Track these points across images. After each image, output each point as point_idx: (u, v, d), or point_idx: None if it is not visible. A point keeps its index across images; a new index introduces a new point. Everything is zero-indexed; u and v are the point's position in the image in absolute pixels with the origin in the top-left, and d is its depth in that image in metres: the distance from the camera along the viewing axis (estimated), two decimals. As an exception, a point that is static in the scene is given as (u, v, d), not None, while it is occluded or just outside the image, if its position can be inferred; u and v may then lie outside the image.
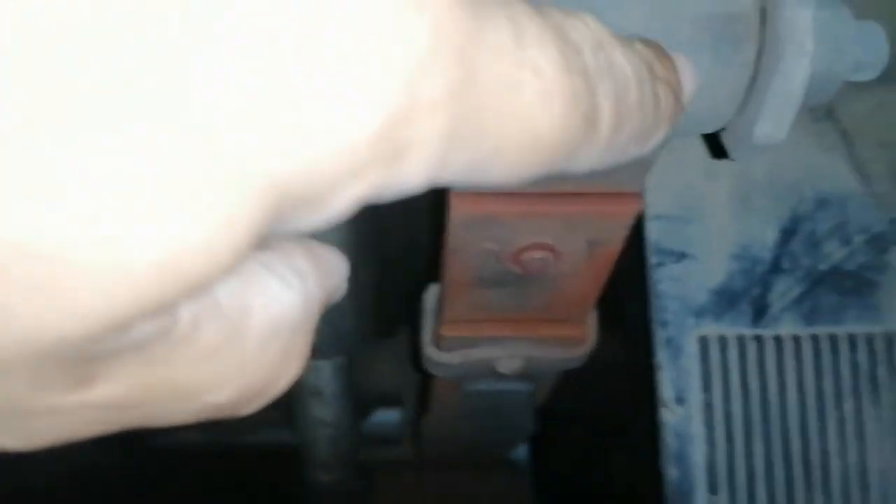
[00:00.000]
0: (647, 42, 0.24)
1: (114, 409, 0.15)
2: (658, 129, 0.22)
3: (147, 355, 0.14)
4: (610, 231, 0.45)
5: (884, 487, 0.55)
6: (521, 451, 0.82)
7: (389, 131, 0.13)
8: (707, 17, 0.30)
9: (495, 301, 0.50)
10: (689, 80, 0.24)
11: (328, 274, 0.20)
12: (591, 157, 0.19)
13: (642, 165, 0.42)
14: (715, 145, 0.35)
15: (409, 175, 0.14)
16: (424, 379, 0.61)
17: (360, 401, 0.91)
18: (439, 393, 0.62)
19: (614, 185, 0.42)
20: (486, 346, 0.53)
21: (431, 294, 0.53)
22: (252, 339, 0.16)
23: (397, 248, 0.72)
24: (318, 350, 0.82)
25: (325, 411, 0.86)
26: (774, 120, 0.31)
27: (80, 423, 0.15)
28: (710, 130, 0.34)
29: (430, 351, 0.55)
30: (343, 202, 0.14)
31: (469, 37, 0.14)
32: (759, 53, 0.31)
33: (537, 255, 0.46)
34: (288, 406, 0.88)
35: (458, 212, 0.42)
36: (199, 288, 0.12)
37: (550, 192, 0.43)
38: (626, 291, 0.62)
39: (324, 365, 0.86)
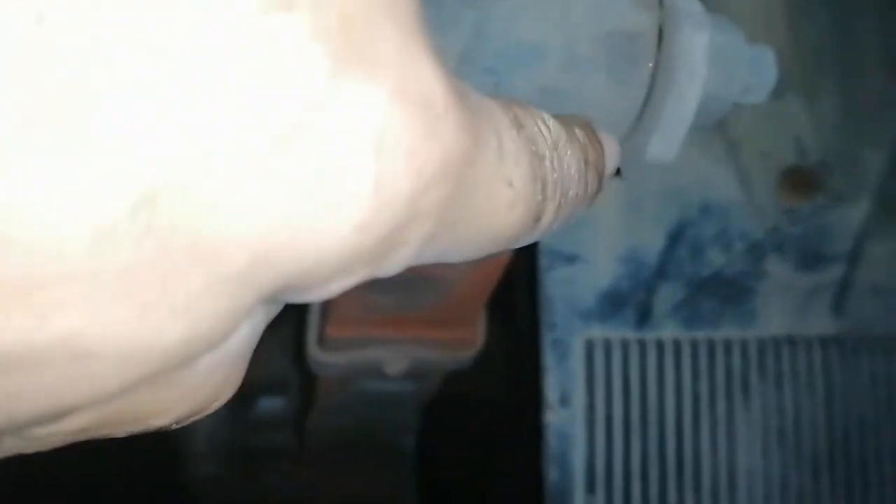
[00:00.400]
0: (583, 124, 0.24)
1: (71, 435, 0.16)
2: (582, 210, 0.23)
3: None
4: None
5: (750, 486, 0.58)
6: (409, 442, 0.82)
7: (382, 243, 0.14)
8: (605, 35, 0.30)
9: (382, 303, 0.48)
10: (612, 161, 0.25)
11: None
12: (531, 241, 0.21)
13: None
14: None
15: (389, 269, 0.16)
16: (309, 376, 0.60)
17: (241, 389, 0.87)
18: (324, 390, 0.60)
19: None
20: (372, 348, 0.52)
21: (315, 311, 0.51)
22: (202, 368, 0.17)
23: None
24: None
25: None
26: (666, 140, 0.31)
27: (37, 444, 0.16)
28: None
29: (314, 351, 0.52)
30: (326, 293, 0.15)
31: (467, 160, 0.15)
32: (655, 74, 0.30)
33: (427, 257, 0.45)
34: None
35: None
36: (172, 369, 0.14)
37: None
38: (520, 293, 0.62)
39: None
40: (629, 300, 0.59)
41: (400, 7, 0.14)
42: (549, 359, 0.57)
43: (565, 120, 0.24)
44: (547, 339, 0.57)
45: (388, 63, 0.14)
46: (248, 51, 0.13)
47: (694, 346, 0.59)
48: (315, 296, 0.15)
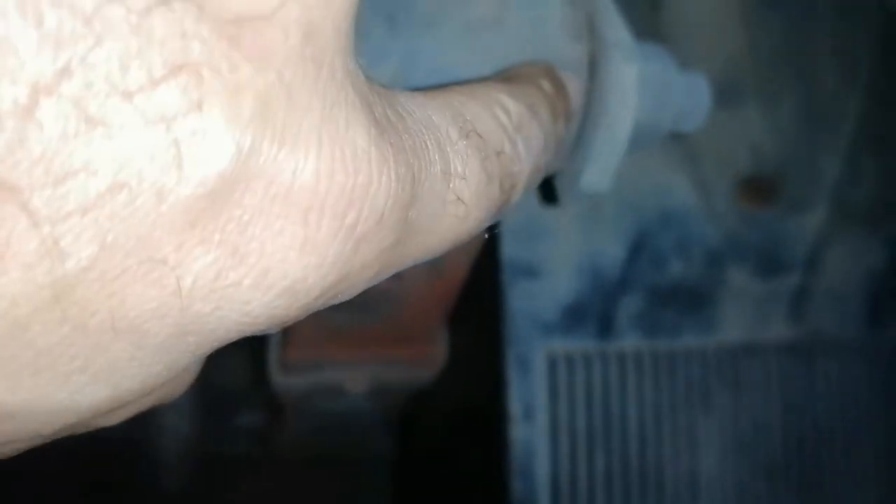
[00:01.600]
0: (548, 72, 0.25)
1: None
2: (552, 159, 0.25)
3: None
4: (452, 257, 0.45)
5: (711, 493, 0.59)
6: (374, 458, 0.83)
7: (319, 298, 0.16)
8: (536, 66, 0.30)
9: (339, 323, 0.49)
10: (576, 98, 0.27)
11: None
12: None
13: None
14: (546, 189, 0.35)
15: (340, 300, 0.17)
16: (272, 395, 0.60)
17: (213, 402, 0.88)
18: (289, 410, 0.60)
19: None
20: (332, 368, 0.52)
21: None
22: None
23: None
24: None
25: (173, 416, 0.83)
26: (599, 170, 0.31)
27: None
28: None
29: (276, 374, 0.53)
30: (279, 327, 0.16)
31: (404, 204, 0.16)
32: (587, 104, 0.31)
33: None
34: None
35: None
36: (103, 414, 0.16)
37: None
38: (482, 308, 0.62)
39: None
40: (590, 312, 0.60)
41: (323, 75, 0.14)
42: (511, 373, 0.57)
43: (530, 76, 0.24)
44: (509, 353, 0.57)
45: (311, 137, 0.14)
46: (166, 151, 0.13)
47: (655, 356, 0.60)
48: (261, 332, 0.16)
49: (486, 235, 0.45)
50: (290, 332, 0.49)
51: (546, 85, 0.24)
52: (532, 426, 0.57)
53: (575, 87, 0.27)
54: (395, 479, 0.81)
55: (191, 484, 0.89)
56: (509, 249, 0.58)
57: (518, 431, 0.57)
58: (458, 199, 0.18)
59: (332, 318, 0.47)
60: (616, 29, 0.30)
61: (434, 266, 0.44)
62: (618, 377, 0.59)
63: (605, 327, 0.60)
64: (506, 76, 0.26)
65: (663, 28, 0.61)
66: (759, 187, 0.64)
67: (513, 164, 0.21)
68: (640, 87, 0.31)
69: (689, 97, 0.33)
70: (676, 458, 0.59)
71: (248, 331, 0.15)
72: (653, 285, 0.61)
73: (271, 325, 0.16)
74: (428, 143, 0.17)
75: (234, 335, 0.15)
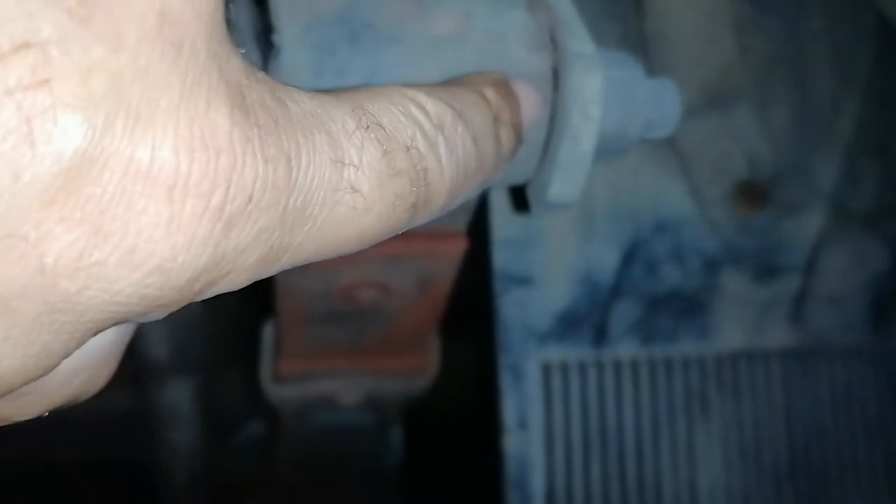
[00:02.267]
0: (496, 81, 0.25)
1: None
2: (497, 170, 0.25)
3: None
4: (437, 269, 0.45)
5: (712, 503, 0.59)
6: (370, 469, 0.83)
7: (197, 279, 0.16)
8: (498, 78, 0.30)
9: (330, 336, 0.49)
10: (531, 110, 0.27)
11: None
12: (430, 218, 0.22)
13: (466, 208, 0.42)
14: (519, 198, 0.35)
15: (230, 286, 0.17)
16: (271, 411, 0.61)
17: (223, 419, 0.88)
18: (284, 424, 0.61)
19: (439, 225, 0.43)
20: (324, 380, 0.53)
21: (268, 330, 0.52)
22: (51, 382, 0.18)
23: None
24: (174, 371, 0.79)
25: (184, 436, 0.83)
26: (566, 181, 0.31)
27: None
28: (512, 184, 0.35)
29: (269, 386, 0.53)
30: (173, 310, 0.17)
31: (280, 187, 0.16)
32: (552, 117, 0.31)
33: (368, 292, 0.46)
34: (141, 424, 0.85)
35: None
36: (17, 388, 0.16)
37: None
38: (477, 316, 0.62)
39: (181, 387, 0.83)
40: (585, 320, 0.59)
41: (184, 56, 0.15)
42: (505, 382, 0.57)
43: (472, 83, 0.24)
44: (503, 362, 0.57)
45: (168, 115, 0.14)
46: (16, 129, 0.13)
47: (651, 364, 0.60)
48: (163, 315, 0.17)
49: (469, 242, 0.45)
50: (283, 344, 0.50)
51: (490, 93, 0.24)
52: (526, 436, 0.57)
53: (532, 97, 0.27)
54: (392, 490, 0.81)
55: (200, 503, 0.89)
56: (501, 257, 0.58)
57: (512, 442, 0.57)
58: (354, 188, 0.18)
59: (323, 330, 0.48)
60: (578, 40, 0.31)
61: (421, 276, 0.45)
62: (613, 385, 0.59)
63: (600, 335, 0.59)
64: (447, 82, 0.25)
65: (650, 35, 0.61)
66: (754, 192, 0.63)
67: (426, 161, 0.20)
68: (605, 98, 0.31)
69: (658, 104, 0.33)
70: (675, 468, 0.58)
71: (124, 312, 0.15)
72: (648, 292, 0.61)
73: (147, 306, 0.16)
74: (314, 130, 0.17)
75: (108, 317, 0.15)
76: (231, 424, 0.94)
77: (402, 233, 0.43)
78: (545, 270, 0.59)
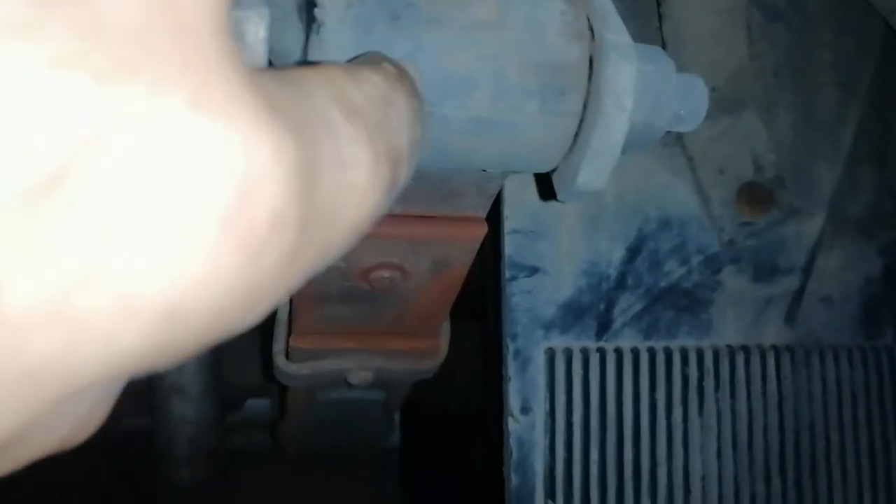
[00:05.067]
0: (387, 58, 0.23)
1: None
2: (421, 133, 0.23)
3: None
4: (455, 254, 0.44)
5: (705, 491, 0.58)
6: (376, 448, 0.82)
7: (231, 315, 0.13)
8: (535, 65, 0.30)
9: (344, 315, 0.48)
10: (413, 72, 0.24)
11: None
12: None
13: (487, 193, 0.42)
14: (545, 185, 0.34)
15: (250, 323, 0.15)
16: (280, 386, 0.60)
17: (227, 394, 0.87)
18: (293, 399, 0.60)
19: (459, 210, 0.42)
20: (335, 358, 0.52)
21: (282, 307, 0.51)
22: (33, 438, 0.15)
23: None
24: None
25: (187, 408, 0.82)
26: (594, 170, 0.31)
27: None
28: (539, 171, 0.34)
29: (280, 361, 0.52)
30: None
31: (303, 201, 0.14)
32: (585, 105, 0.30)
33: (385, 273, 0.45)
34: (146, 399, 0.84)
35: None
36: None
37: (398, 214, 0.41)
38: (485, 303, 0.62)
39: (187, 361, 0.82)
40: (589, 311, 0.59)
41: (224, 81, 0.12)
42: (511, 368, 0.57)
43: (370, 60, 0.22)
44: (509, 348, 0.57)
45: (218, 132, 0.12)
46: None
47: (652, 355, 0.59)
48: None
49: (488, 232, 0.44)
50: (296, 321, 0.49)
51: (387, 66, 0.22)
52: (529, 420, 0.56)
53: (415, 70, 0.25)
54: (395, 469, 0.80)
55: (202, 475, 0.88)
56: (511, 247, 0.57)
57: (515, 425, 0.56)
58: (355, 185, 0.16)
59: (337, 309, 0.47)
60: (615, 31, 0.30)
61: (438, 259, 0.44)
62: (614, 374, 0.58)
63: (603, 326, 0.59)
64: (348, 63, 0.23)
65: (666, 37, 0.60)
66: (758, 194, 0.63)
67: (393, 137, 0.19)
68: (637, 89, 0.30)
69: (686, 99, 0.33)
70: (670, 456, 0.58)
71: (121, 366, 0.12)
72: (651, 287, 0.60)
73: (154, 358, 0.12)
74: (315, 133, 0.15)
75: (113, 371, 0.12)
76: (237, 398, 0.93)
77: (424, 216, 0.42)
78: (553, 261, 0.58)
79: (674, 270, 0.61)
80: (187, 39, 0.12)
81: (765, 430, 0.60)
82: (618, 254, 0.60)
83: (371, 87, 0.19)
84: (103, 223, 0.11)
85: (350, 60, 0.26)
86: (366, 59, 0.24)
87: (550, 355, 0.57)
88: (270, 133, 0.13)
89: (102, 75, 0.11)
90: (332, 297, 0.46)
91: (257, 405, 0.96)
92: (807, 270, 0.63)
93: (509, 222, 0.58)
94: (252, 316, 0.14)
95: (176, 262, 0.11)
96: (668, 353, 0.59)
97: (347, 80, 0.18)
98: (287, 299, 0.52)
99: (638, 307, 0.60)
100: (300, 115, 0.15)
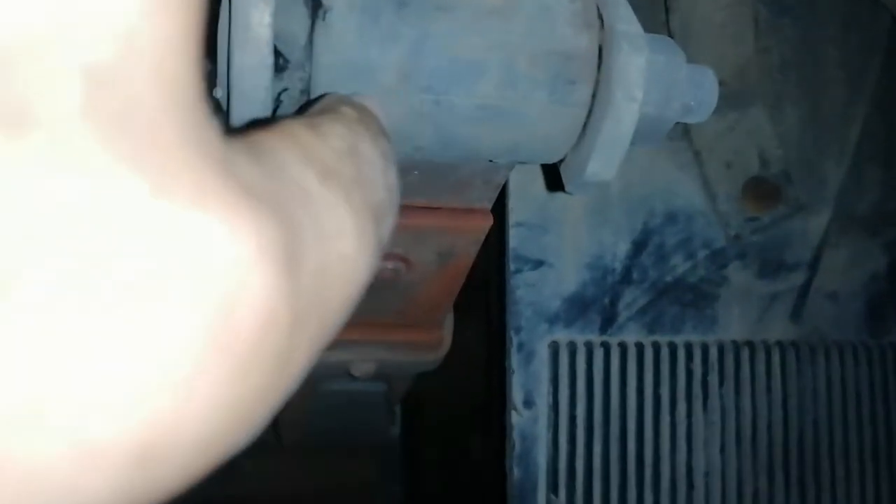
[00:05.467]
0: (346, 101, 0.22)
1: None
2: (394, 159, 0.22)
3: None
4: (460, 245, 0.44)
5: (708, 485, 0.58)
6: (378, 440, 0.82)
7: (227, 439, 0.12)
8: (544, 55, 0.29)
9: (349, 306, 0.48)
10: (379, 112, 0.23)
11: None
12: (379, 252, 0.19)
13: (493, 185, 0.41)
14: (553, 176, 0.34)
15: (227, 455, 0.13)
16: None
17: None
18: (296, 390, 0.59)
19: (465, 201, 0.41)
20: (339, 350, 0.51)
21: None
22: None
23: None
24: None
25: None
26: (603, 161, 0.30)
27: None
28: (546, 162, 0.33)
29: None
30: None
31: (297, 299, 0.12)
32: (594, 95, 0.30)
33: (389, 264, 0.44)
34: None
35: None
36: None
37: (402, 204, 0.41)
38: (489, 295, 0.61)
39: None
40: (594, 305, 0.58)
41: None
42: (514, 361, 0.56)
43: (328, 107, 0.21)
44: (513, 341, 0.56)
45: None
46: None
47: (656, 349, 0.59)
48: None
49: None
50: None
51: (347, 110, 0.21)
52: (533, 413, 0.56)
53: (376, 104, 0.24)
54: (398, 461, 0.80)
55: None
56: (516, 240, 0.57)
57: (518, 418, 0.56)
58: (343, 256, 0.15)
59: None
60: (625, 20, 0.29)
61: (443, 250, 0.43)
62: (618, 368, 0.58)
63: (608, 320, 0.58)
64: (306, 115, 0.21)
65: (675, 30, 0.60)
66: (764, 190, 0.62)
67: (370, 191, 0.18)
68: (648, 80, 0.29)
69: (696, 90, 0.32)
70: (673, 451, 0.57)
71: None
72: (656, 281, 0.60)
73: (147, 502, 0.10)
74: (292, 209, 0.14)
75: None
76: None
77: (429, 207, 0.42)
78: (558, 254, 0.58)
79: (679, 265, 0.60)
80: (145, 131, 0.10)
81: (768, 426, 0.59)
82: (623, 248, 0.59)
83: (337, 139, 0.18)
84: (51, 345, 0.09)
85: (304, 107, 0.24)
86: (323, 107, 0.22)
87: (554, 349, 0.57)
88: (249, 220, 0.11)
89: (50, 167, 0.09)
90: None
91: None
92: (812, 267, 0.62)
93: (514, 215, 0.58)
94: (246, 436, 0.12)
95: (146, 395, 0.09)
96: (673, 348, 0.59)
97: (313, 137, 0.17)
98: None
99: (643, 301, 0.59)
100: (276, 191, 0.13)
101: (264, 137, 0.15)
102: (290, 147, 0.15)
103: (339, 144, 0.17)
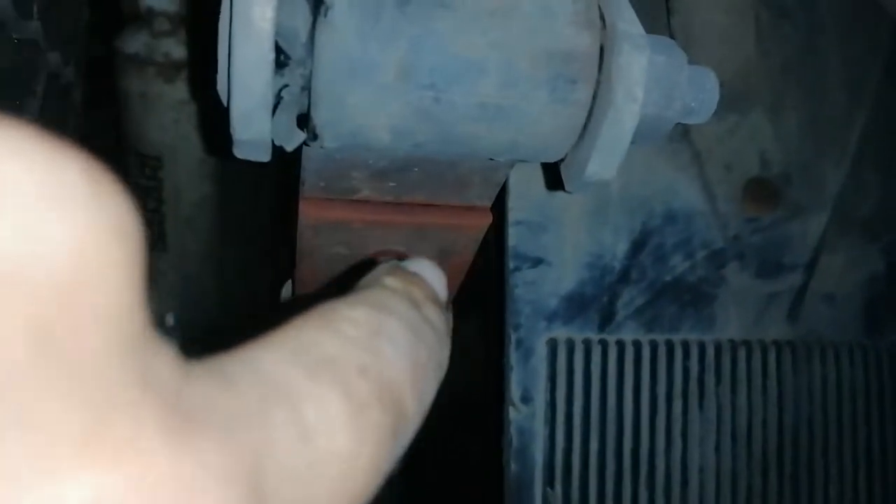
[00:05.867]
0: (389, 270, 0.22)
1: None
2: (445, 347, 0.21)
3: None
4: (460, 242, 0.43)
5: (702, 482, 0.58)
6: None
7: None
8: (546, 54, 0.29)
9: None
10: (438, 278, 0.23)
11: None
12: (414, 427, 0.18)
13: (493, 183, 0.41)
14: (553, 175, 0.34)
15: None
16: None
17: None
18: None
19: (465, 199, 0.41)
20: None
21: (286, 292, 0.51)
22: None
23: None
24: (182, 331, 0.77)
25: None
26: (604, 160, 0.30)
27: None
28: (546, 160, 0.33)
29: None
30: None
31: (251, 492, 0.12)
32: (595, 95, 0.30)
33: (389, 260, 0.44)
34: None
35: (307, 217, 0.39)
36: None
37: (402, 201, 0.41)
38: (488, 293, 0.61)
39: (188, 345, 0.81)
40: (592, 303, 0.58)
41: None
42: (513, 357, 0.56)
43: (371, 281, 0.21)
44: (511, 338, 0.56)
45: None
46: None
47: (654, 347, 0.59)
48: None
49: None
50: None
51: (390, 281, 0.21)
52: (530, 410, 0.56)
53: (428, 267, 0.24)
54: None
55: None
56: (515, 238, 0.57)
57: (516, 414, 0.56)
58: (335, 453, 0.14)
59: (338, 296, 0.46)
60: (626, 20, 0.29)
61: (443, 247, 0.43)
62: (616, 366, 0.58)
63: (606, 318, 0.58)
64: (348, 293, 0.22)
65: (677, 32, 0.59)
66: (764, 192, 0.62)
67: (385, 373, 0.17)
68: (649, 80, 0.29)
69: (697, 91, 0.32)
70: (669, 448, 0.57)
71: None
72: (655, 281, 0.60)
73: None
74: (269, 415, 0.13)
75: None
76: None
77: (430, 204, 0.42)
78: (557, 252, 0.58)
79: (678, 265, 0.60)
80: (82, 378, 0.11)
81: (764, 424, 0.59)
82: (622, 247, 0.59)
83: (350, 327, 0.17)
84: None
85: (360, 281, 0.24)
86: (368, 280, 0.22)
87: (552, 346, 0.57)
88: (190, 451, 0.11)
89: None
90: (336, 283, 0.46)
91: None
92: (810, 268, 0.62)
93: (514, 213, 0.57)
94: None
95: None
96: (670, 347, 0.59)
97: (316, 331, 0.16)
98: (290, 288, 0.51)
99: (641, 301, 0.59)
100: (239, 404, 0.13)
101: (249, 347, 0.15)
102: (278, 349, 0.15)
103: (352, 332, 0.17)
